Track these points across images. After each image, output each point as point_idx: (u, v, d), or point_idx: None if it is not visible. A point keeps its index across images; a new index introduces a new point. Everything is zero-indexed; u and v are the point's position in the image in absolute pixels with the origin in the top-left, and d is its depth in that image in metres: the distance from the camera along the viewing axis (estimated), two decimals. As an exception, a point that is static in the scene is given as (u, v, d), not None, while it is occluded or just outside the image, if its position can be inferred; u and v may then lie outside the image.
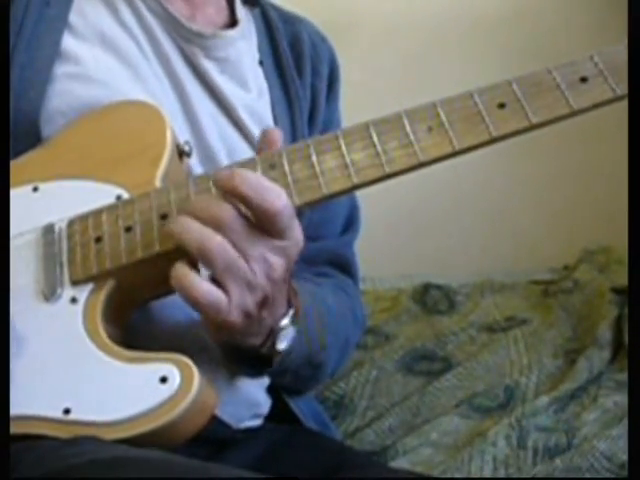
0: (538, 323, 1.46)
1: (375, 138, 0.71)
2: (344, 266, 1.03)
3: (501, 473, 1.09)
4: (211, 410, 0.69)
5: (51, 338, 0.71)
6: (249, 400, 0.91)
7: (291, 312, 0.77)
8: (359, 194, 0.87)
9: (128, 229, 0.73)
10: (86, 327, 0.71)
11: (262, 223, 0.67)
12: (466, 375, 1.32)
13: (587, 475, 1.05)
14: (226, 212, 0.67)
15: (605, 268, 1.67)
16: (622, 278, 1.55)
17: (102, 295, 0.72)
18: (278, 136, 0.75)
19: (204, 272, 0.69)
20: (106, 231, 0.73)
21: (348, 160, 0.71)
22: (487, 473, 1.08)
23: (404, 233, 2.09)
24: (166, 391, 0.66)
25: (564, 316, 1.48)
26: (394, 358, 1.37)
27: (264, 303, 0.70)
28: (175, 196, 0.73)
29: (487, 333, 1.44)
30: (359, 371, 1.33)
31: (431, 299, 1.56)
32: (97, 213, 0.75)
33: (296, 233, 0.70)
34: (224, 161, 0.90)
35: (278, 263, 0.69)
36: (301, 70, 1.02)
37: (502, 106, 0.70)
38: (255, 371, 0.84)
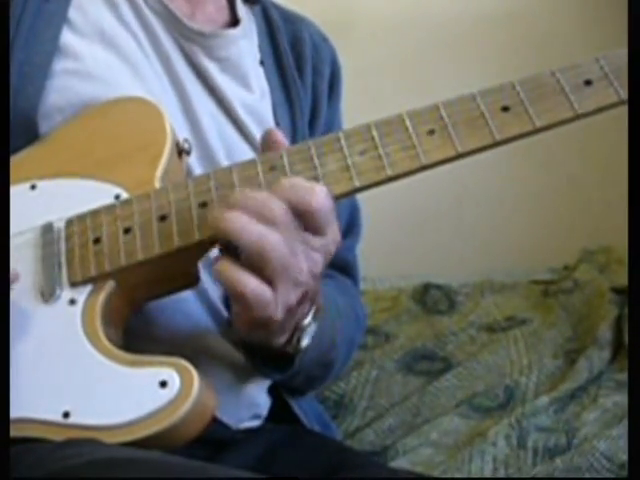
0: (538, 323, 1.46)
1: (377, 140, 0.70)
2: (345, 269, 1.03)
3: (501, 473, 1.09)
4: (211, 413, 0.68)
5: (50, 340, 0.70)
6: (249, 401, 0.91)
7: (314, 308, 0.76)
8: (359, 194, 0.87)
9: (127, 230, 0.72)
10: (85, 329, 0.70)
11: (304, 220, 0.67)
12: (466, 375, 1.32)
13: (587, 475, 1.05)
14: (279, 209, 0.66)
15: (605, 268, 1.67)
16: (622, 278, 1.55)
17: (101, 297, 0.72)
18: (281, 136, 0.74)
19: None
20: (105, 232, 0.73)
21: (350, 162, 0.70)
22: (487, 473, 1.08)
23: (404, 233, 2.08)
24: (166, 396, 0.65)
25: (564, 316, 1.48)
26: (394, 358, 1.37)
27: (303, 298, 0.70)
28: (174, 197, 0.72)
29: (487, 333, 1.44)
30: (359, 371, 1.33)
31: (431, 299, 1.56)
32: (96, 213, 0.74)
33: (334, 229, 0.69)
34: (223, 161, 0.89)
35: (319, 260, 0.68)
36: (302, 70, 1.01)
37: (506, 109, 0.70)
38: (276, 372, 0.82)
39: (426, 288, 1.59)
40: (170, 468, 0.58)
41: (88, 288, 0.72)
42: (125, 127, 0.80)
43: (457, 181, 1.96)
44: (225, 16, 0.99)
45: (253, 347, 0.78)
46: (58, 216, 0.75)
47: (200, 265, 0.75)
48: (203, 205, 0.71)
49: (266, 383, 0.94)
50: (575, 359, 1.34)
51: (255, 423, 0.93)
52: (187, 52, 0.92)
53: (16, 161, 0.80)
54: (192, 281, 0.76)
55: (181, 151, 0.80)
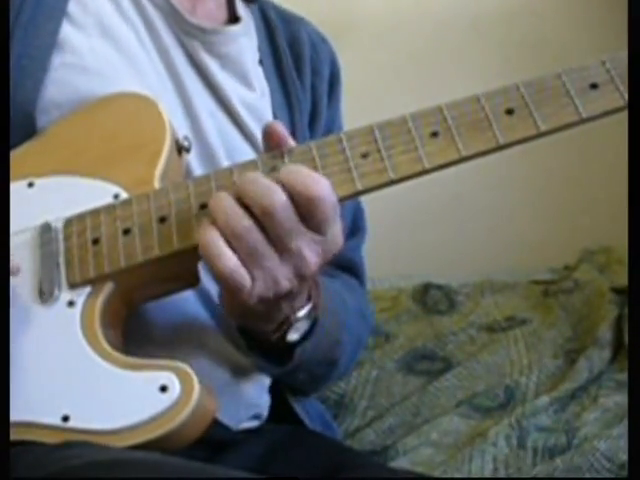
0: (538, 323, 1.45)
1: (380, 142, 0.69)
2: (351, 269, 1.02)
3: (501, 473, 1.09)
4: (211, 417, 0.68)
5: (49, 342, 0.70)
6: (248, 401, 0.91)
7: (309, 306, 0.76)
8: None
9: (126, 231, 0.72)
10: (84, 332, 0.70)
11: (304, 210, 0.66)
12: (466, 375, 1.32)
13: (587, 475, 1.05)
14: (278, 198, 0.65)
15: (605, 268, 1.67)
16: (622, 278, 1.54)
17: (100, 299, 0.71)
18: (282, 128, 0.72)
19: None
20: (104, 233, 0.72)
21: (352, 164, 0.69)
22: (487, 473, 1.08)
23: (404, 233, 2.08)
24: (166, 400, 0.65)
25: (564, 316, 1.48)
26: (394, 358, 1.37)
27: (286, 296, 0.70)
28: (174, 198, 0.72)
29: (487, 333, 1.44)
30: (359, 371, 1.33)
31: (431, 299, 1.56)
32: (94, 213, 0.73)
33: (335, 230, 0.68)
34: (223, 158, 0.89)
35: (312, 260, 0.67)
36: (301, 71, 1.01)
37: (510, 112, 0.68)
38: (275, 366, 0.82)
39: (426, 288, 1.58)
40: (170, 469, 0.58)
41: (87, 290, 0.72)
42: (124, 124, 0.79)
43: (457, 181, 1.95)
44: (225, 14, 0.98)
45: (252, 338, 0.78)
46: (56, 215, 0.74)
47: (200, 265, 0.74)
48: (203, 206, 0.70)
49: (267, 383, 0.94)
50: (575, 359, 1.34)
51: (255, 423, 0.93)
52: (187, 47, 0.91)
53: (13, 157, 0.78)
54: (192, 282, 0.75)
55: (180, 148, 0.79)
